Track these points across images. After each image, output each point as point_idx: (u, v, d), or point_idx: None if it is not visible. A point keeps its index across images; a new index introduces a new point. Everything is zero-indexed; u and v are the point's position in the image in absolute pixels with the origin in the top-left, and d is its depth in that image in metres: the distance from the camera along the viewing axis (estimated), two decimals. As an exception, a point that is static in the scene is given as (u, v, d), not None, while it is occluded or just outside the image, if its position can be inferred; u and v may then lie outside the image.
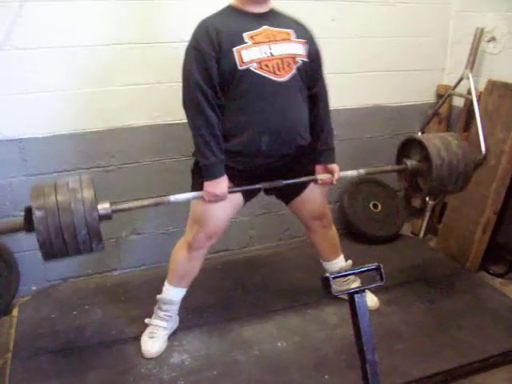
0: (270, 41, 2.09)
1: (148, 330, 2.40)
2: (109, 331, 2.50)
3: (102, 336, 2.46)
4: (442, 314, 2.63)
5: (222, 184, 2.12)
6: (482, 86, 3.19)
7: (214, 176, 2.10)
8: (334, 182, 2.38)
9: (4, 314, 2.66)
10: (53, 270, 2.89)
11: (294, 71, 2.12)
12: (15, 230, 1.92)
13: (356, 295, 1.64)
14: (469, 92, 3.18)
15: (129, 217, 2.97)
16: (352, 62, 3.25)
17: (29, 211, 1.80)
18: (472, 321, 2.57)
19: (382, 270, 1.69)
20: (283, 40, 2.12)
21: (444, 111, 3.50)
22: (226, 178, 2.13)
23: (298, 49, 2.15)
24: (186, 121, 2.71)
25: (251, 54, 2.05)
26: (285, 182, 2.25)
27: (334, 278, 1.62)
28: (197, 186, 2.21)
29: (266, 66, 2.07)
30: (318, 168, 2.39)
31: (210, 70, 2.02)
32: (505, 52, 3.10)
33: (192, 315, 2.59)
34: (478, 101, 3.11)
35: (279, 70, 2.09)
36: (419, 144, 2.43)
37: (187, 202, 2.28)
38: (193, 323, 2.54)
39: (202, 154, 2.08)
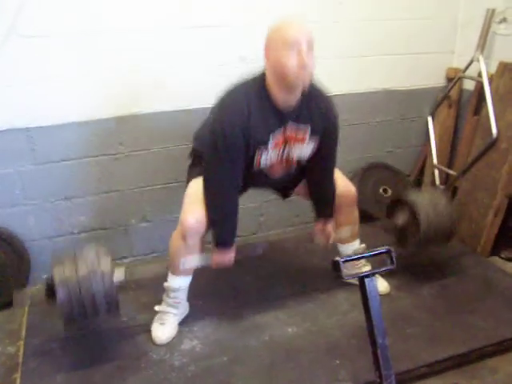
0: (285, 143, 2.19)
1: (158, 316, 2.40)
2: (119, 318, 2.50)
3: (112, 323, 2.46)
4: (454, 299, 2.61)
5: (230, 253, 2.29)
6: (493, 69, 3.15)
7: (226, 247, 2.27)
8: (328, 242, 2.54)
9: (16, 302, 2.67)
10: (63, 258, 2.90)
11: (295, 167, 2.34)
12: (37, 299, 2.23)
13: (366, 279, 1.63)
14: (479, 75, 3.14)
15: (138, 204, 2.97)
16: (360, 45, 3.21)
17: (50, 284, 2.03)
18: (484, 305, 2.55)
19: (393, 254, 1.68)
20: (296, 142, 2.21)
21: (454, 95, 3.46)
22: (234, 249, 2.30)
23: (308, 150, 2.27)
24: (192, 107, 2.73)
25: (268, 159, 2.20)
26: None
27: (344, 261, 1.61)
28: (193, 175, 2.34)
29: (273, 167, 2.26)
30: (317, 228, 2.53)
31: (241, 158, 2.12)
32: (516, 33, 3.05)
33: (202, 301, 2.59)
34: (489, 83, 3.07)
35: (281, 170, 2.31)
36: (405, 201, 2.68)
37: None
38: (203, 309, 2.54)
39: (219, 227, 2.23)
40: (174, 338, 2.36)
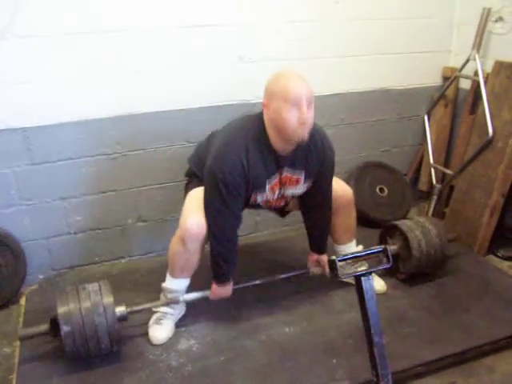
0: (281, 186, 2.27)
1: (155, 316, 2.40)
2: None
3: (109, 323, 2.46)
4: (450, 298, 2.62)
5: (228, 288, 2.36)
6: (489, 68, 3.15)
7: (224, 283, 2.33)
8: (322, 272, 2.58)
9: (12, 303, 2.67)
10: (59, 258, 2.90)
11: (286, 201, 2.42)
12: (41, 335, 2.18)
13: (363, 278, 1.64)
14: (476, 74, 3.15)
15: (134, 204, 2.97)
16: (357, 44, 3.21)
17: (54, 321, 2.09)
18: (480, 304, 2.56)
19: (389, 253, 1.69)
20: (291, 185, 2.28)
21: (450, 94, 3.46)
22: (232, 283, 2.37)
23: (299, 190, 2.34)
24: (190, 107, 2.72)
25: (264, 198, 2.28)
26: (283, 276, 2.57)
27: (339, 260, 1.61)
28: (191, 188, 2.37)
29: (270, 202, 2.34)
30: (311, 259, 2.60)
31: (241, 199, 2.19)
32: (512, 32, 3.05)
33: (199, 301, 2.58)
34: (485, 82, 3.08)
35: (276, 204, 2.40)
36: (397, 229, 2.70)
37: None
38: (200, 309, 2.53)
39: (218, 265, 2.28)
40: (170, 338, 2.36)
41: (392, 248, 2.65)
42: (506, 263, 3.02)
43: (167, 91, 2.82)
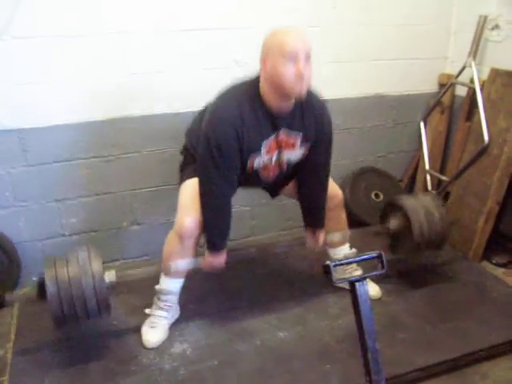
0: (278, 148, 2.21)
1: (149, 320, 2.39)
2: (110, 322, 2.48)
3: (102, 326, 2.45)
4: (445, 304, 2.62)
5: (221, 256, 2.29)
6: (485, 75, 3.16)
7: (217, 250, 2.26)
8: (318, 247, 2.54)
9: (5, 305, 2.65)
10: (54, 260, 2.89)
11: (286, 167, 2.32)
12: (28, 300, 2.18)
13: (357, 283, 1.63)
14: (472, 81, 3.15)
15: (129, 207, 2.96)
16: (353, 50, 3.22)
17: (42, 284, 2.02)
18: (475, 310, 2.56)
19: (384, 259, 1.68)
20: (288, 148, 2.23)
21: (446, 100, 3.47)
22: (226, 252, 2.30)
23: (298, 155, 2.29)
24: (184, 111, 2.72)
25: (261, 162, 2.21)
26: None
27: (334, 265, 1.61)
28: (185, 176, 2.32)
29: (267, 168, 2.26)
30: (308, 233, 2.54)
31: (236, 164, 2.13)
32: (508, 40, 3.06)
33: (193, 305, 2.58)
34: (481, 89, 3.09)
35: (273, 172, 2.31)
36: (400, 207, 2.66)
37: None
38: (194, 313, 2.53)
39: (211, 231, 2.24)
40: (164, 341, 2.35)
41: (392, 224, 2.68)
42: (501, 270, 3.02)
43: (162, 94, 2.83)
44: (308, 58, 1.96)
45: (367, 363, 1.66)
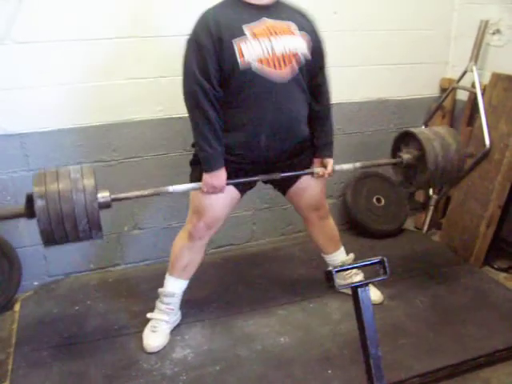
0: (270, 34, 2.06)
1: (150, 324, 2.39)
2: (111, 326, 2.49)
3: (103, 331, 2.45)
4: (446, 309, 2.61)
5: (220, 176, 2.14)
6: (486, 79, 3.17)
7: (213, 168, 2.12)
8: (326, 175, 2.37)
9: (6, 309, 2.65)
10: (55, 265, 2.89)
11: (294, 69, 2.11)
12: (16, 216, 1.94)
13: (359, 289, 1.62)
14: (473, 85, 3.15)
15: (131, 211, 2.96)
16: (355, 55, 3.22)
17: (30, 199, 1.83)
18: (476, 315, 2.55)
19: (386, 264, 1.67)
20: (283, 33, 2.09)
21: (448, 105, 3.47)
22: (225, 170, 2.15)
23: (300, 44, 2.12)
24: (187, 115, 2.70)
25: (251, 49, 2.03)
26: (282, 174, 2.28)
27: (337, 271, 1.60)
28: (195, 176, 2.25)
29: (267, 63, 2.05)
30: (316, 161, 2.40)
31: (209, 64, 2.01)
32: (510, 44, 3.07)
33: (195, 310, 2.58)
34: (483, 94, 3.09)
35: (280, 68, 2.08)
36: (414, 138, 2.45)
37: (188, 196, 2.32)
38: (195, 318, 2.53)
39: (200, 146, 2.11)
40: (165, 346, 2.35)
41: (406, 157, 2.48)
42: (502, 275, 3.01)
43: (164, 99, 2.83)
44: None
45: (369, 369, 1.65)
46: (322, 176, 2.36)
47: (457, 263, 3.05)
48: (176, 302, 2.41)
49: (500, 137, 2.97)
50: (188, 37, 2.07)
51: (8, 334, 2.47)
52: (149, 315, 2.41)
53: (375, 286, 2.65)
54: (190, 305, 2.56)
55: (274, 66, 2.06)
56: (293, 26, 2.13)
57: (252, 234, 3.35)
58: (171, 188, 2.14)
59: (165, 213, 3.03)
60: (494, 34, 3.14)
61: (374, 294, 2.59)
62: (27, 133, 2.61)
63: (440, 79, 3.54)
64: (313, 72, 2.22)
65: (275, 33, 2.07)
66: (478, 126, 3.10)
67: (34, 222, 2.71)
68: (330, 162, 2.37)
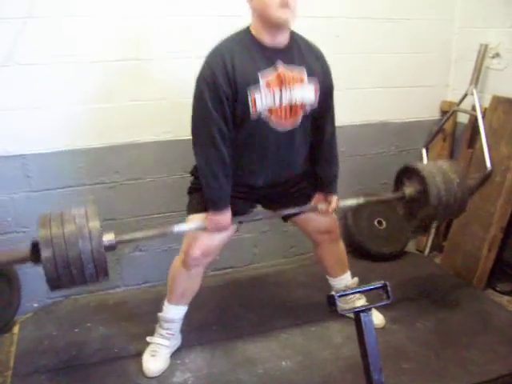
0: (281, 83, 2.06)
1: (150, 348, 2.37)
2: (110, 349, 2.47)
3: (103, 354, 2.43)
4: (449, 332, 2.59)
5: (226, 215, 2.14)
6: (486, 103, 3.18)
7: (220, 208, 2.11)
8: (330, 211, 2.36)
9: (5, 331, 2.63)
10: (55, 286, 2.87)
11: (299, 118, 2.14)
12: (21, 262, 1.93)
13: (362, 314, 1.61)
14: (473, 108, 3.17)
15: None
16: (356, 78, 3.24)
17: (36, 244, 1.81)
18: (479, 339, 2.53)
19: (389, 288, 1.67)
20: (294, 82, 2.08)
21: (448, 127, 3.49)
22: (230, 209, 2.14)
23: (308, 93, 2.13)
24: (189, 138, 2.70)
25: (264, 99, 2.03)
26: (285, 212, 2.31)
27: (339, 296, 1.59)
28: (193, 205, 2.24)
29: (276, 113, 2.07)
30: (319, 197, 2.39)
31: (226, 107, 2.00)
32: (509, 68, 3.08)
33: (195, 333, 2.56)
34: (483, 117, 3.10)
35: (286, 119, 2.11)
36: (416, 172, 2.45)
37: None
38: (196, 341, 2.51)
39: (209, 185, 2.09)
40: (165, 370, 2.32)
41: (408, 192, 2.46)
42: (505, 298, 2.99)
43: (165, 121, 2.84)
44: None
45: (372, 395, 1.64)
46: (326, 212, 2.36)
47: (459, 286, 3.03)
48: (176, 326, 2.39)
49: (501, 159, 2.98)
50: (201, 71, 2.03)
51: (6, 356, 2.44)
52: (149, 339, 2.38)
53: (377, 309, 2.63)
54: (190, 328, 2.53)
55: (281, 116, 2.09)
56: (304, 73, 2.11)
57: (253, 256, 3.33)
58: (176, 228, 2.10)
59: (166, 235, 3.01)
60: (493, 57, 3.16)
61: (377, 318, 2.57)
62: (29, 154, 2.62)
63: (440, 102, 3.56)
64: (318, 114, 2.22)
65: (287, 83, 2.07)
66: (479, 148, 3.10)
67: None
68: (334, 198, 2.36)
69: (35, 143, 2.62)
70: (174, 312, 2.35)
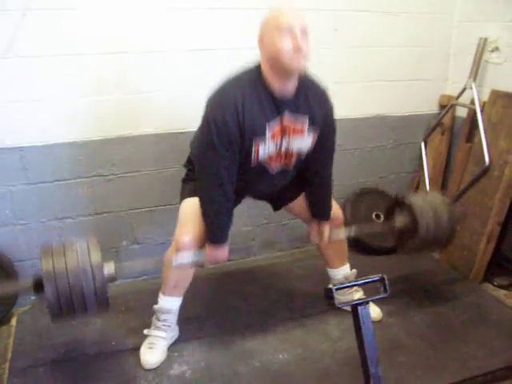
0: (283, 134, 2.10)
1: (147, 340, 2.37)
2: (108, 342, 2.47)
3: (101, 347, 2.43)
4: (446, 326, 2.60)
5: (224, 249, 2.20)
6: (485, 96, 3.18)
7: (218, 244, 2.17)
8: (323, 243, 2.48)
9: (3, 324, 2.63)
10: (52, 279, 2.87)
11: (294, 161, 2.22)
12: (23, 293, 2.04)
13: (360, 307, 1.62)
14: (472, 102, 3.17)
15: (129, 226, 2.95)
16: (355, 71, 3.23)
17: (39, 279, 1.84)
18: (476, 333, 2.54)
19: (386, 282, 1.67)
20: (295, 134, 2.13)
21: (447, 121, 3.48)
22: (228, 244, 2.21)
23: (306, 143, 2.19)
24: (186, 130, 2.71)
25: (267, 149, 2.10)
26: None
27: (337, 289, 1.60)
28: (186, 192, 2.30)
29: (274, 159, 2.16)
30: (312, 223, 2.46)
31: (236, 152, 2.03)
32: (508, 62, 3.08)
33: (192, 326, 2.56)
34: (482, 111, 3.10)
35: (281, 161, 2.19)
36: (408, 207, 2.54)
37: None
38: (193, 334, 2.51)
39: (211, 224, 2.14)
40: (162, 362, 2.33)
41: (398, 223, 2.55)
42: (502, 292, 2.99)
43: (163, 114, 2.83)
44: (304, 32, 1.93)
45: (369, 388, 1.64)
46: (320, 243, 2.49)
47: (456, 280, 3.04)
48: (172, 318, 2.39)
49: (499, 153, 2.98)
50: (211, 113, 2.00)
51: (4, 348, 2.44)
52: (146, 331, 2.39)
53: (375, 302, 2.64)
54: (188, 321, 2.54)
55: (277, 160, 2.17)
56: (306, 123, 2.13)
57: (250, 249, 3.33)
58: (175, 262, 2.15)
59: (163, 228, 3.01)
60: (492, 51, 3.15)
61: (374, 311, 2.57)
62: (27, 146, 2.61)
63: (439, 96, 3.55)
64: (314, 156, 2.26)
65: (288, 134, 2.11)
66: (478, 142, 3.10)
67: (32, 237, 2.73)
68: (326, 227, 2.43)
69: (33, 136, 2.61)
70: (169, 303, 2.35)
